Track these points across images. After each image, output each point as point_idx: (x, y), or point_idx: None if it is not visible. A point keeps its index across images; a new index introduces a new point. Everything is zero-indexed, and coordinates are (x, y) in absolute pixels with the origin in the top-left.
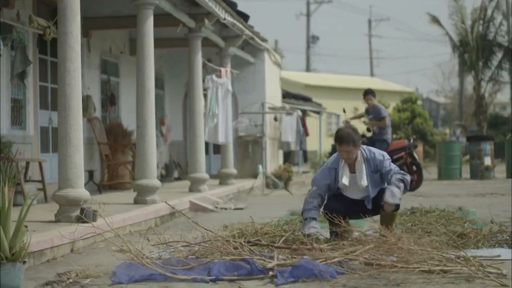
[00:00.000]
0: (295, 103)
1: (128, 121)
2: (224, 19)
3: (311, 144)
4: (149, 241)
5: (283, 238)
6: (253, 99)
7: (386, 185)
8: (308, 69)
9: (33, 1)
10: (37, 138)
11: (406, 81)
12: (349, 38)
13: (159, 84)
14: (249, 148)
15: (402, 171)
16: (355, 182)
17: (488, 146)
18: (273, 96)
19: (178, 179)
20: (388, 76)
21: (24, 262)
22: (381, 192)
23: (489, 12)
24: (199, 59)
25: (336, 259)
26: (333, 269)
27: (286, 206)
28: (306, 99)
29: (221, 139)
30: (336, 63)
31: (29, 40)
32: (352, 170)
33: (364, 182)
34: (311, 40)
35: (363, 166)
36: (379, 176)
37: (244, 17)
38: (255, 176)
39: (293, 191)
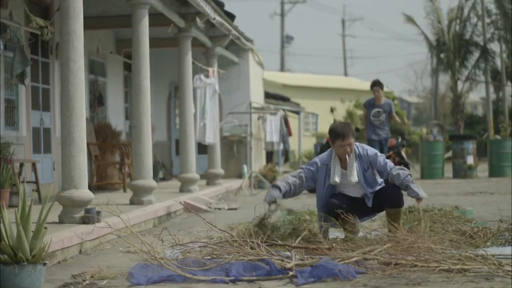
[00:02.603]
0: (274, 103)
1: (115, 121)
2: (214, 18)
3: (290, 144)
4: (163, 241)
5: (299, 238)
6: (237, 99)
7: (383, 182)
8: (282, 69)
9: (25, 0)
10: (30, 139)
11: None
12: (323, 38)
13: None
14: (233, 148)
15: (401, 167)
16: (346, 179)
17: (470, 145)
18: (256, 96)
19: (163, 179)
20: (361, 76)
21: (45, 264)
22: (383, 190)
23: (465, 11)
24: (189, 59)
25: (354, 259)
26: (352, 268)
27: None
28: (285, 99)
29: (208, 139)
30: (310, 62)
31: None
32: (344, 167)
33: (354, 178)
34: (286, 40)
35: (354, 162)
36: (372, 173)
37: (231, 17)
38: (240, 176)
39: None
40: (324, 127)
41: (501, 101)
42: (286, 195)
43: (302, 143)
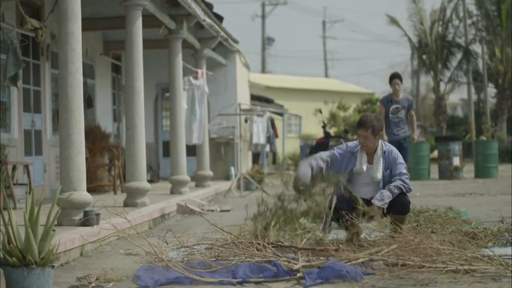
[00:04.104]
0: (259, 105)
1: (104, 123)
2: (204, 20)
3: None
4: (167, 244)
5: (305, 239)
6: (224, 100)
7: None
8: (263, 70)
9: (16, 2)
10: (21, 141)
11: (356, 82)
12: (304, 39)
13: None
14: (221, 150)
15: (406, 181)
16: (369, 174)
17: (456, 147)
18: (243, 97)
19: (150, 181)
20: (342, 77)
21: (53, 267)
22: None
23: (448, 13)
24: (179, 60)
25: (361, 260)
26: (360, 270)
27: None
28: (269, 101)
29: (194, 140)
30: (291, 64)
31: None
32: (370, 161)
33: (379, 175)
34: (267, 41)
35: (381, 159)
36: (389, 174)
37: (219, 18)
38: (227, 178)
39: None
40: (308, 129)
41: (483, 102)
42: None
43: (286, 144)
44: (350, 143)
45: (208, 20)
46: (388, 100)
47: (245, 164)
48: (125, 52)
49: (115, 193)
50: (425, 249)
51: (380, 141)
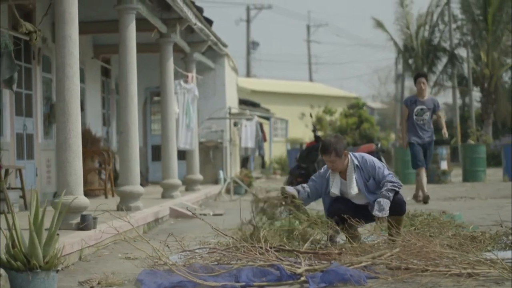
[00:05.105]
0: (245, 109)
1: (94, 127)
2: (195, 24)
3: None
4: (169, 247)
5: (307, 243)
6: (213, 104)
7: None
8: (248, 74)
9: (11, 5)
10: (14, 145)
11: (340, 86)
12: (289, 43)
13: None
14: (210, 154)
15: (394, 180)
16: (346, 189)
17: (444, 151)
18: (231, 101)
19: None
20: (326, 81)
21: (57, 271)
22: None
23: (434, 17)
24: (171, 64)
25: (363, 263)
26: (363, 273)
27: None
28: (255, 105)
29: (184, 145)
30: (275, 68)
31: None
32: (344, 177)
33: (354, 190)
34: (252, 45)
35: (353, 174)
36: (374, 182)
37: (209, 22)
38: (216, 181)
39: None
40: (293, 133)
41: (467, 106)
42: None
43: (273, 149)
44: (321, 169)
45: (199, 24)
46: (413, 101)
47: (234, 168)
48: (119, 56)
49: (106, 197)
50: (428, 253)
51: (349, 155)
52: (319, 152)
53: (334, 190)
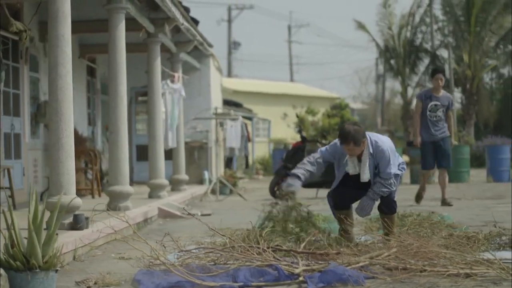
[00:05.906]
0: (229, 109)
1: (80, 127)
2: (183, 24)
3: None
4: (165, 247)
5: (303, 243)
6: (198, 104)
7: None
8: (230, 74)
9: (2, 4)
10: (2, 145)
11: (320, 87)
12: (270, 43)
13: (104, 89)
14: (194, 154)
15: (390, 179)
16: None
17: None
18: (216, 101)
19: None
20: (307, 82)
21: (56, 271)
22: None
23: (417, 18)
24: (158, 64)
25: (361, 264)
26: (361, 274)
27: (251, 211)
28: (238, 105)
29: (172, 145)
30: (257, 68)
31: None
32: (359, 159)
33: (366, 176)
34: (233, 46)
35: (367, 161)
36: (376, 169)
37: (195, 22)
38: (200, 182)
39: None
40: (276, 133)
41: None
42: (305, 182)
43: (256, 149)
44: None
45: (186, 23)
46: (427, 96)
47: (218, 168)
48: (108, 56)
49: (93, 197)
50: (425, 253)
51: (367, 141)
52: (338, 138)
53: (351, 170)
